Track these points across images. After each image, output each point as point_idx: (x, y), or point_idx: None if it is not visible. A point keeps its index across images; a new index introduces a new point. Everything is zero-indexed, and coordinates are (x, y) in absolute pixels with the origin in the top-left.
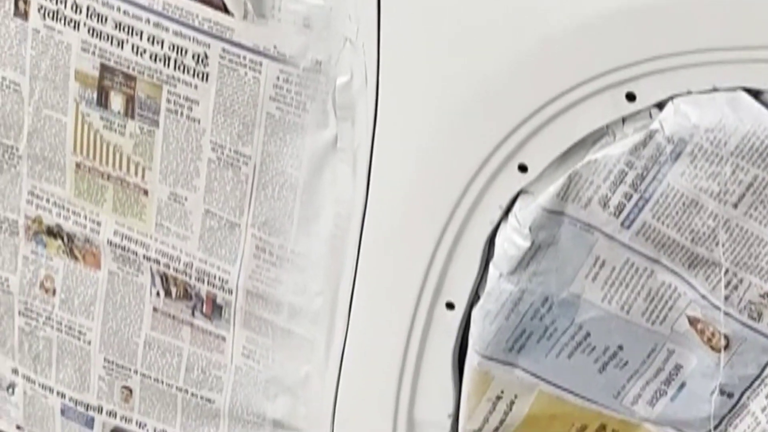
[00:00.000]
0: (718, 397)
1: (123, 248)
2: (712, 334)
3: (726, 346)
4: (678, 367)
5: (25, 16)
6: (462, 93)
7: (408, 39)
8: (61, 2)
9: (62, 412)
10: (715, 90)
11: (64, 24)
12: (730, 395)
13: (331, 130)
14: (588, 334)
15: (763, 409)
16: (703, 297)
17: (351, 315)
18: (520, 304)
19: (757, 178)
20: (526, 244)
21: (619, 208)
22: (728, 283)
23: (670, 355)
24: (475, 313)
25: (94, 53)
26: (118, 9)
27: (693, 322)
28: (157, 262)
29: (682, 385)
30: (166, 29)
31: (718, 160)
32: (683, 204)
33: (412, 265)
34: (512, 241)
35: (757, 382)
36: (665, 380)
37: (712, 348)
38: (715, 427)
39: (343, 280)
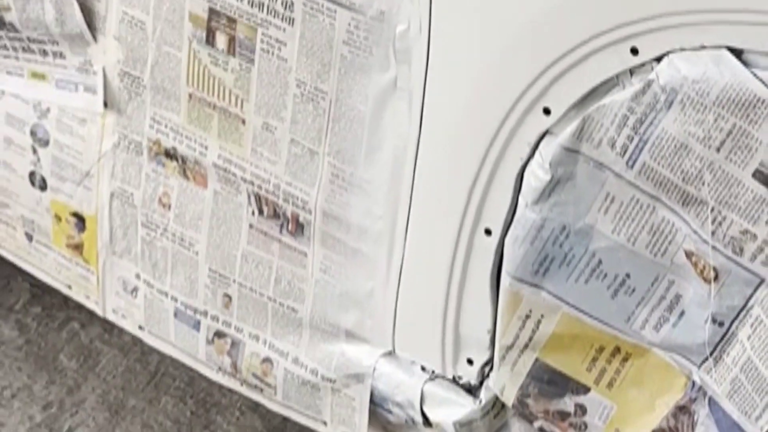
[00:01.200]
0: (710, 325)
1: (225, 170)
2: (704, 267)
3: (715, 278)
4: (678, 297)
5: None
6: (496, 43)
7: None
8: None
9: (175, 314)
10: (703, 47)
11: None
12: (720, 324)
13: (392, 72)
14: (600, 262)
15: (749, 337)
16: (695, 232)
17: (407, 237)
18: (543, 231)
19: (735, 126)
20: (547, 177)
21: (624, 149)
22: (714, 220)
23: (670, 285)
24: (507, 238)
25: None
26: None
27: (689, 255)
28: (252, 183)
29: (682, 313)
30: None
31: (703, 109)
32: (675, 146)
33: (456, 194)
34: (536, 175)
35: (743, 313)
36: (667, 308)
37: (705, 280)
38: (711, 353)
39: (400, 206)
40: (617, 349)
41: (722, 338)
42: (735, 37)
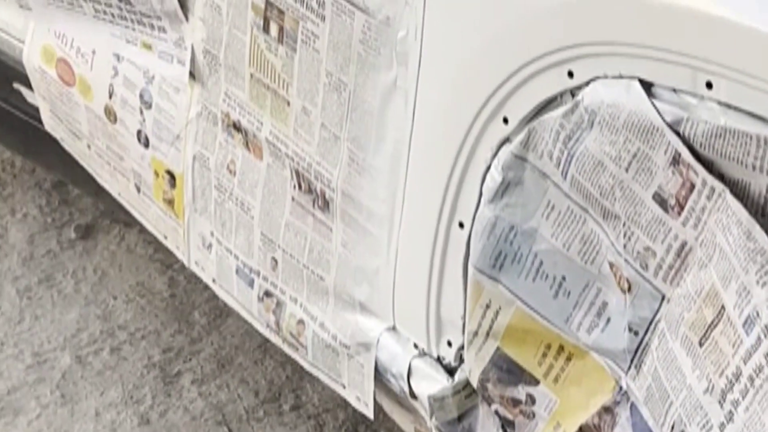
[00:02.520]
0: (628, 333)
1: (274, 145)
2: (620, 278)
3: (629, 289)
4: (605, 304)
5: None
6: (467, 55)
7: (439, 15)
8: None
9: (236, 271)
10: (620, 76)
11: None
12: (636, 333)
13: (394, 72)
14: (542, 263)
15: (656, 348)
16: (613, 244)
17: (401, 223)
18: (496, 228)
19: (639, 150)
20: (500, 179)
21: (558, 161)
22: (624, 234)
23: (598, 292)
24: (472, 232)
25: None
26: None
27: (611, 266)
28: (293, 159)
29: (609, 320)
30: None
31: (615, 131)
32: (594, 163)
33: (436, 188)
34: (492, 177)
35: (653, 325)
36: (596, 313)
37: (621, 290)
38: (632, 361)
39: (397, 194)
40: (561, 348)
41: (638, 347)
42: (645, 69)
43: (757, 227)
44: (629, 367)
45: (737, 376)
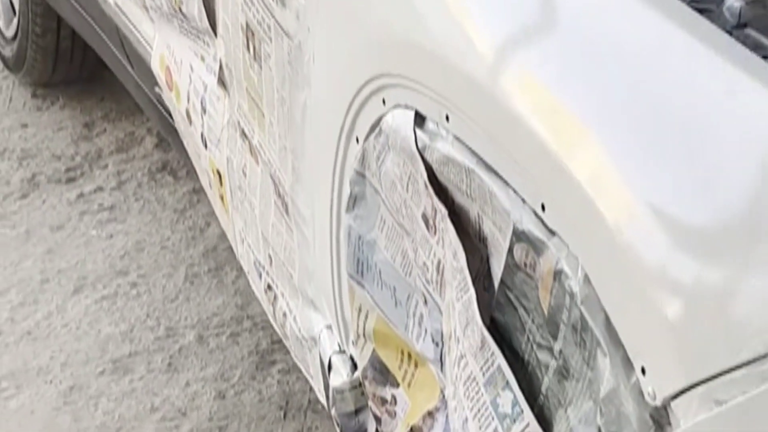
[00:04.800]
0: (432, 344)
1: (260, 153)
2: (420, 291)
3: (425, 302)
4: (422, 315)
5: None
6: (331, 81)
7: (320, 42)
8: None
9: (254, 264)
10: (406, 106)
11: None
12: (437, 344)
13: (305, 92)
14: (380, 272)
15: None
16: (414, 260)
17: (316, 233)
18: (351, 237)
19: (411, 172)
20: (348, 192)
21: (379, 180)
22: (413, 249)
23: (417, 303)
24: None
25: None
26: None
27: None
28: (270, 166)
29: (426, 330)
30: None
31: (399, 154)
32: (391, 182)
33: (326, 201)
34: (346, 190)
35: (446, 337)
36: (419, 324)
37: (424, 302)
38: (441, 369)
39: (315, 202)
40: (410, 355)
41: (441, 357)
42: (416, 101)
43: (461, 249)
44: (442, 375)
45: (453, 382)
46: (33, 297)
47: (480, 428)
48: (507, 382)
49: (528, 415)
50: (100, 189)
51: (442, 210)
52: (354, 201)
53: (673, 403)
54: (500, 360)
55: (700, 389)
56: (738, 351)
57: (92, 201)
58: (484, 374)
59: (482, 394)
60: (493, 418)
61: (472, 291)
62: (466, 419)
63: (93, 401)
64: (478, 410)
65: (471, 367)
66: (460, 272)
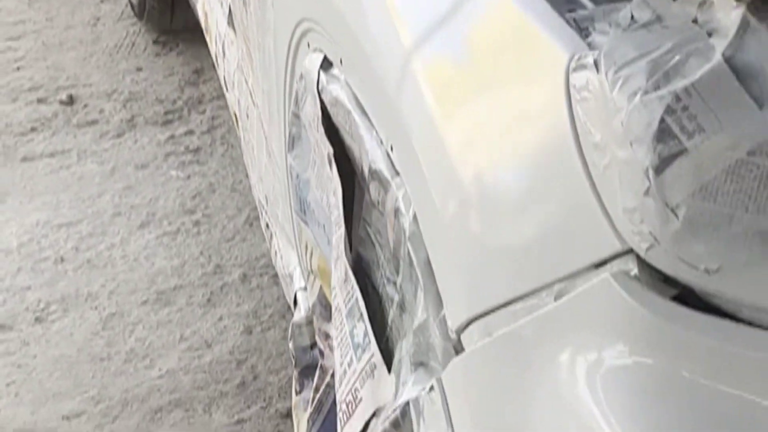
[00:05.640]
0: None
1: (252, 95)
2: None
3: None
4: None
5: None
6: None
7: None
8: None
9: (258, 202)
10: (319, 51)
11: None
12: None
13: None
14: (314, 211)
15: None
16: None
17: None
18: (292, 176)
19: (315, 112)
20: (287, 132)
21: (306, 121)
22: (323, 189)
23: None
24: None
25: None
26: None
27: None
28: (257, 108)
29: None
30: None
31: (310, 95)
32: (309, 123)
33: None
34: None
35: None
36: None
37: None
38: None
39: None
40: None
41: None
42: (324, 45)
43: (339, 186)
44: None
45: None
46: (101, 229)
47: (341, 356)
48: (361, 314)
49: (373, 346)
50: (190, 132)
51: (329, 149)
52: (293, 141)
53: (462, 335)
54: (357, 293)
55: (479, 322)
56: (507, 290)
57: (180, 143)
58: (346, 305)
59: (344, 325)
60: (350, 348)
61: (342, 227)
62: (336, 347)
63: (129, 328)
64: (341, 339)
65: (338, 299)
66: (336, 209)
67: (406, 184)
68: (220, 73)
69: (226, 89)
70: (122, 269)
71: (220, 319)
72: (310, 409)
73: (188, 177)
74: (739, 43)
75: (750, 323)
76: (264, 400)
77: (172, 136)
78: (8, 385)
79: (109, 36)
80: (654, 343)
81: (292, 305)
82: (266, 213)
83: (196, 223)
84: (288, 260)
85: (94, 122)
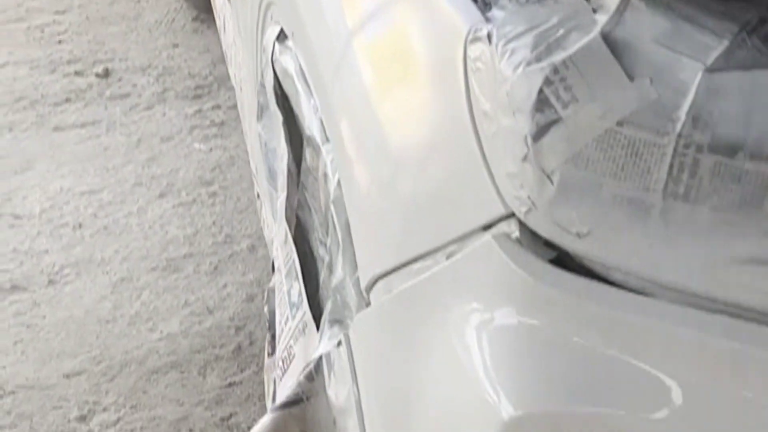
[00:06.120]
0: None
1: (241, 68)
2: None
3: None
4: None
5: None
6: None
7: None
8: None
9: (251, 176)
10: (278, 23)
11: None
12: None
13: None
14: (282, 179)
15: None
16: None
17: None
18: (261, 145)
19: (275, 84)
20: (256, 102)
21: (269, 92)
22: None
23: None
24: None
25: None
26: None
27: None
28: (246, 82)
29: None
30: None
31: (268, 66)
32: (270, 93)
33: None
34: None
35: None
36: None
37: None
38: None
39: None
40: None
41: None
42: (282, 19)
43: (285, 152)
44: None
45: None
46: (121, 198)
47: (281, 315)
48: (297, 275)
49: (305, 304)
50: (217, 107)
51: (279, 116)
52: (261, 111)
53: (370, 294)
54: (294, 254)
55: (383, 281)
56: (408, 251)
57: (206, 117)
58: (285, 267)
59: (284, 284)
60: (287, 307)
61: (285, 192)
62: (277, 307)
63: (137, 293)
64: (281, 299)
65: (280, 261)
66: (282, 174)
67: (333, 151)
68: (223, 47)
69: (229, 64)
70: (137, 236)
71: (225, 286)
72: (277, 371)
73: (210, 150)
74: (618, 19)
75: (618, 285)
76: (257, 364)
77: (199, 110)
78: (16, 344)
79: (151, 12)
80: (530, 302)
81: (270, 271)
82: (257, 183)
83: (212, 195)
84: (271, 228)
85: (126, 95)
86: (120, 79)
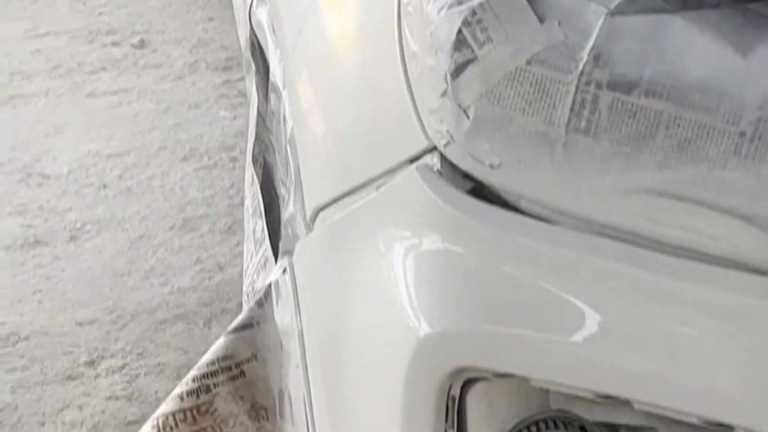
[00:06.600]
0: None
1: None
2: None
3: None
4: None
5: None
6: None
7: None
8: None
9: None
10: None
11: None
12: None
13: None
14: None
15: None
16: None
17: None
18: (253, 107)
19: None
20: (245, 58)
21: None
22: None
23: None
24: None
25: None
26: None
27: None
28: None
29: None
30: None
31: (258, 26)
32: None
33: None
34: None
35: None
36: None
37: None
38: None
39: None
40: None
41: None
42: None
43: (255, 99)
44: None
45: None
46: (146, 161)
47: (247, 251)
48: (261, 213)
49: (267, 240)
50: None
51: (252, 66)
52: (248, 65)
53: (313, 225)
54: (258, 194)
55: (323, 213)
56: (343, 184)
57: (234, 87)
58: (251, 205)
59: (249, 222)
60: (252, 243)
61: (254, 137)
62: (245, 244)
63: (153, 250)
64: (247, 236)
65: (247, 201)
66: (252, 118)
67: (291, 95)
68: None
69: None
70: (158, 197)
71: (237, 245)
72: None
73: (234, 117)
74: None
75: (528, 214)
76: None
77: (228, 80)
78: (34, 293)
79: None
80: (449, 230)
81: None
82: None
83: (233, 159)
84: None
85: (159, 65)
86: (155, 50)
